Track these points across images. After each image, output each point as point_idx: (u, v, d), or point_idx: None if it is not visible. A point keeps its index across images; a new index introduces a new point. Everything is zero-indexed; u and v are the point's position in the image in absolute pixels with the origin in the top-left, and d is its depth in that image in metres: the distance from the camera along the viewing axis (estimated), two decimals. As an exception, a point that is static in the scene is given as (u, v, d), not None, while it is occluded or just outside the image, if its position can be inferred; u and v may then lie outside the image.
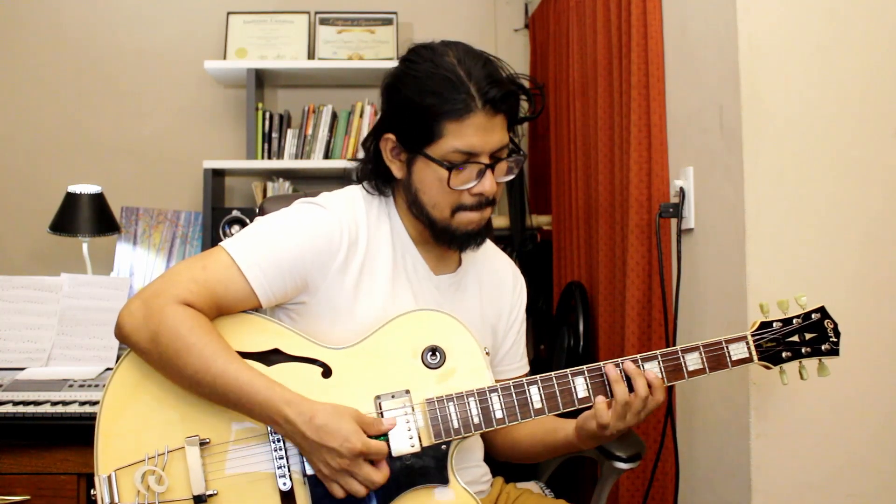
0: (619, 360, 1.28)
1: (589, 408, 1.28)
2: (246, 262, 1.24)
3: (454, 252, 1.40)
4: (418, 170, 1.29)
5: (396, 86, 1.30)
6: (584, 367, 1.28)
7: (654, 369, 1.28)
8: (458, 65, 1.25)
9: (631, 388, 1.26)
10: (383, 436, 1.20)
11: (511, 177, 1.33)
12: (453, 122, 1.24)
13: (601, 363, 1.29)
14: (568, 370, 1.27)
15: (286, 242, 1.27)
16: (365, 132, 3.00)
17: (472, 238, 1.33)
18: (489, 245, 1.51)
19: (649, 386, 1.26)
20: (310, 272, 1.28)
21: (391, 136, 1.31)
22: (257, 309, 1.29)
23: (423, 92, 1.25)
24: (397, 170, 1.33)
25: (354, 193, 1.38)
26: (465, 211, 1.30)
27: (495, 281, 1.48)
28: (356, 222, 1.32)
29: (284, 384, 1.19)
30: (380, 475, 1.16)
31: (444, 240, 1.34)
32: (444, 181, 1.26)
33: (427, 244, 1.38)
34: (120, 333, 1.22)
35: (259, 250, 1.25)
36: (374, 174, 1.37)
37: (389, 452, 1.20)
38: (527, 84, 2.80)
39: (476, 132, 1.24)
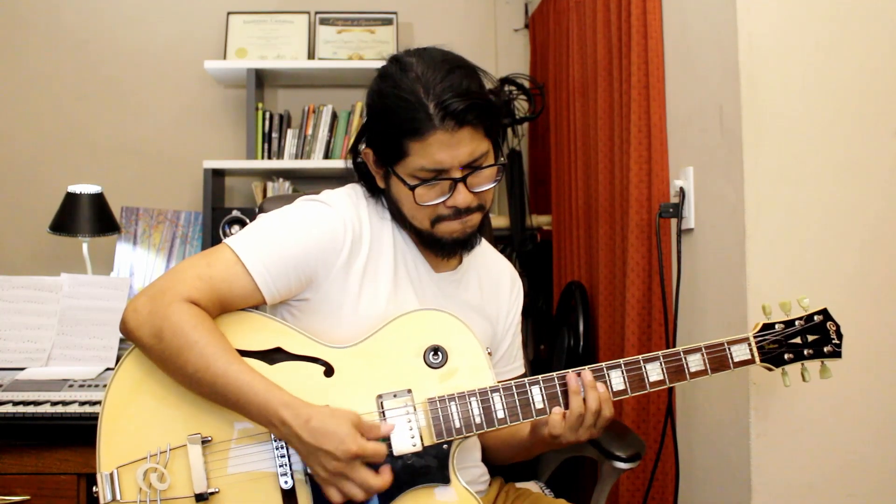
0: (584, 367, 1.28)
1: None
2: (250, 260, 1.24)
3: (445, 258, 1.40)
4: (394, 184, 1.30)
5: (368, 102, 1.31)
6: (587, 367, 1.28)
7: (655, 370, 1.28)
8: (418, 81, 1.23)
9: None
10: (384, 439, 1.20)
11: (493, 185, 1.30)
12: (415, 141, 1.23)
13: (603, 365, 1.29)
14: (570, 370, 1.28)
15: (290, 239, 1.27)
16: (365, 132, 3.00)
17: (459, 245, 1.33)
18: (488, 247, 1.51)
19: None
20: (314, 269, 1.28)
21: (369, 151, 1.32)
22: (260, 306, 1.29)
23: (385, 112, 1.26)
24: (379, 180, 1.34)
25: (357, 191, 1.38)
26: (445, 221, 1.29)
27: (494, 281, 1.48)
28: (359, 219, 1.33)
29: (286, 383, 1.19)
30: (379, 480, 1.16)
31: (432, 247, 1.34)
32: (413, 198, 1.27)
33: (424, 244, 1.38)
34: (125, 329, 1.22)
35: (263, 247, 1.26)
36: (364, 180, 1.38)
37: (391, 452, 1.20)
38: (526, 84, 2.80)
39: (441, 149, 1.23)
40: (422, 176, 1.25)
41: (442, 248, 1.33)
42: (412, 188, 1.25)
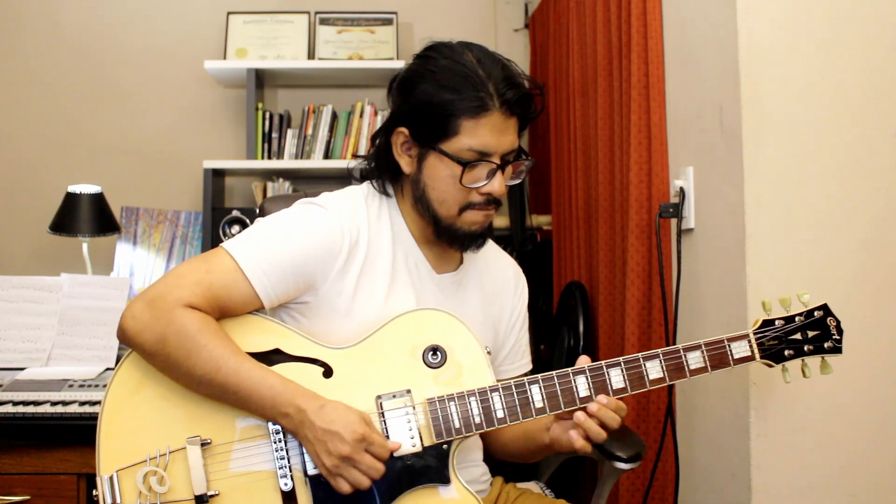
0: (583, 367, 1.27)
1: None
2: (249, 266, 1.24)
3: (456, 251, 1.40)
4: (429, 165, 1.30)
5: (413, 80, 1.30)
6: (586, 366, 1.28)
7: (655, 368, 1.28)
8: (478, 64, 1.26)
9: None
10: None
11: (518, 181, 1.34)
12: (469, 119, 1.24)
13: (603, 363, 1.28)
14: (569, 369, 1.27)
15: (289, 245, 1.27)
16: (365, 132, 3.00)
17: (474, 238, 1.34)
18: (490, 244, 1.51)
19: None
20: (312, 274, 1.28)
21: (404, 130, 1.31)
22: (259, 310, 1.29)
23: (440, 87, 1.25)
24: (406, 164, 1.33)
25: (356, 193, 1.38)
26: (472, 210, 1.30)
27: (497, 280, 1.48)
28: (357, 223, 1.32)
29: None
30: (383, 467, 1.18)
31: (445, 238, 1.34)
32: (456, 178, 1.27)
33: (429, 243, 1.38)
34: (123, 336, 1.22)
35: (262, 253, 1.25)
36: (381, 169, 1.37)
37: (391, 454, 1.20)
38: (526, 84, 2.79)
39: (491, 132, 1.25)
40: (465, 157, 1.26)
41: (455, 239, 1.33)
42: (464, 165, 1.25)
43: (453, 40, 1.32)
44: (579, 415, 1.24)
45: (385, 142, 1.35)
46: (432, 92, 1.26)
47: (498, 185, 1.28)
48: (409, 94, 1.30)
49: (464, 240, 1.33)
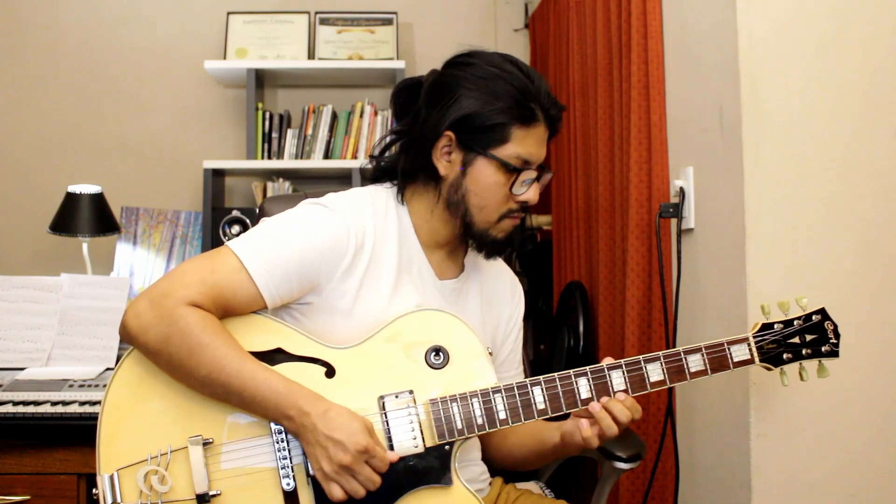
0: (586, 368, 1.28)
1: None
2: (254, 266, 1.23)
3: (458, 257, 1.42)
4: (476, 170, 1.30)
5: (458, 85, 1.30)
6: (588, 368, 1.28)
7: (656, 370, 1.29)
8: (527, 76, 1.29)
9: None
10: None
11: (539, 191, 1.36)
12: (521, 128, 1.28)
13: (604, 365, 1.29)
14: (571, 371, 1.28)
15: (294, 246, 1.26)
16: (365, 132, 3.00)
17: (503, 245, 1.36)
18: None
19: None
20: (316, 275, 1.28)
21: (450, 134, 1.30)
22: (261, 309, 1.28)
23: (492, 95, 1.27)
24: (445, 168, 1.32)
25: (362, 195, 1.37)
26: (509, 217, 1.33)
27: (496, 288, 1.48)
28: (363, 225, 1.32)
29: None
30: (380, 479, 1.17)
31: (475, 243, 1.36)
32: (502, 184, 1.29)
33: (434, 248, 1.38)
34: (126, 335, 1.21)
35: (266, 253, 1.25)
36: (407, 171, 1.36)
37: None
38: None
39: (535, 142, 1.29)
40: (512, 164, 1.29)
41: (484, 245, 1.35)
42: (517, 172, 1.29)
43: (488, 48, 1.35)
44: (594, 405, 1.26)
45: (422, 145, 1.33)
46: (484, 99, 1.28)
47: (534, 193, 1.32)
48: (454, 100, 1.29)
49: (491, 246, 1.35)
